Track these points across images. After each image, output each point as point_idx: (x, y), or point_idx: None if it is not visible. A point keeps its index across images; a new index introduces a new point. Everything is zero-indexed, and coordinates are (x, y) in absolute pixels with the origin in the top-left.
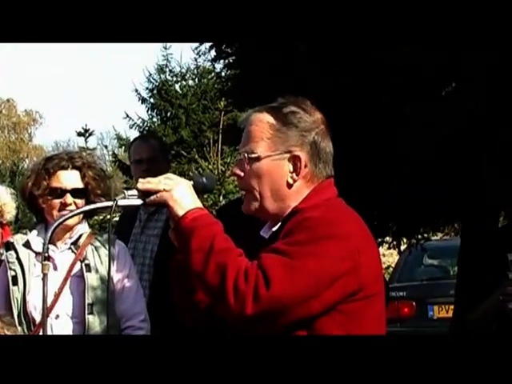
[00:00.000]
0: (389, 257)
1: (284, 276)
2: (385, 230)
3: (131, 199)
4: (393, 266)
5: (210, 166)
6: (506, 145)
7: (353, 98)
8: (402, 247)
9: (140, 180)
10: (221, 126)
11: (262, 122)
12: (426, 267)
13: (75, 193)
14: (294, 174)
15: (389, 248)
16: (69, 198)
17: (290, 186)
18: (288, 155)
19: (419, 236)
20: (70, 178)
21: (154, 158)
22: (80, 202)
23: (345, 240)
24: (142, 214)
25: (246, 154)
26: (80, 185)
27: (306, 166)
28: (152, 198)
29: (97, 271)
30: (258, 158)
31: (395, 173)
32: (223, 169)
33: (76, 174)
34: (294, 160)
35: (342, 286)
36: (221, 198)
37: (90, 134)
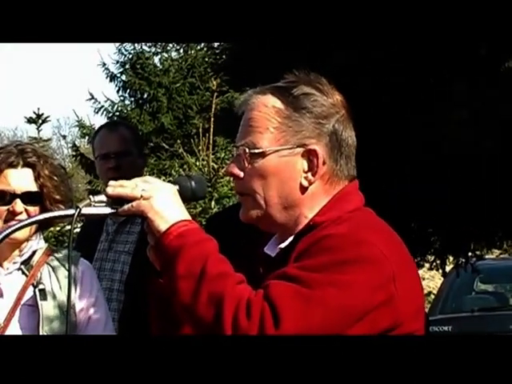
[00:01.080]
0: (430, 280)
1: (298, 311)
2: (426, 247)
3: (98, 207)
4: (435, 292)
5: (199, 163)
6: None
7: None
8: (448, 268)
9: (110, 183)
10: (212, 112)
11: (267, 106)
12: (477, 294)
13: (27, 198)
14: (310, 174)
15: (430, 269)
16: (18, 205)
17: (303, 189)
18: (301, 149)
19: (469, 253)
20: (20, 179)
21: (124, 151)
22: (33, 209)
23: (377, 265)
24: (110, 224)
25: (246, 149)
26: (33, 187)
27: (324, 164)
28: (126, 207)
29: (54, 298)
30: (263, 154)
31: (441, 174)
32: (215, 166)
33: (28, 173)
34: (309, 155)
35: (371, 322)
36: (212, 203)
37: (44, 121)
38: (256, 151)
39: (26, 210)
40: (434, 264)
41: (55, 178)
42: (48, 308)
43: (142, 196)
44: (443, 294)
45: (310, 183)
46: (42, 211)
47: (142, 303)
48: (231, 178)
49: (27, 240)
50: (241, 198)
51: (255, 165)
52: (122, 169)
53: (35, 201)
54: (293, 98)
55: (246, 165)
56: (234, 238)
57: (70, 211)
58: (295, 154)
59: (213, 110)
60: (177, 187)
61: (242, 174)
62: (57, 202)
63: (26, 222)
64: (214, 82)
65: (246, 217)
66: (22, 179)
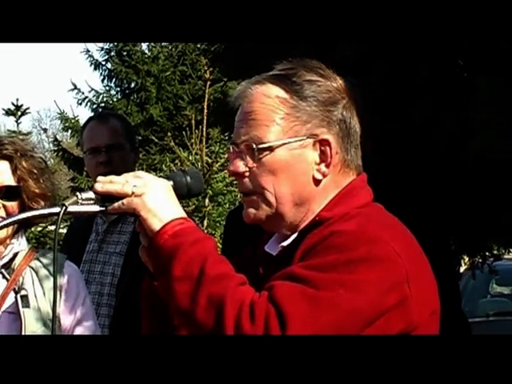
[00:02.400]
0: None
1: (305, 313)
2: (441, 248)
3: (86, 205)
4: None
5: (192, 157)
6: None
7: None
8: (462, 269)
9: (99, 179)
10: (206, 102)
11: (270, 97)
12: (493, 297)
13: (4, 192)
14: (323, 166)
15: None
16: None
17: (317, 182)
18: (312, 140)
19: (486, 253)
20: None
21: (116, 145)
22: (10, 205)
23: (389, 264)
24: (100, 223)
25: (251, 144)
26: (11, 181)
27: (336, 154)
28: (116, 204)
29: (37, 306)
30: (270, 148)
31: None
32: (209, 160)
33: (5, 165)
34: (321, 146)
35: (383, 325)
36: (206, 201)
37: (24, 113)
38: (263, 146)
39: (3, 205)
40: None
41: (34, 171)
42: (31, 316)
43: (133, 193)
44: None
45: (324, 175)
46: (21, 207)
47: (134, 309)
48: (226, 174)
49: (6, 241)
50: (245, 199)
51: (263, 161)
52: (112, 163)
53: (13, 196)
54: (296, 85)
55: (252, 162)
56: (251, 234)
57: (55, 209)
58: (306, 145)
59: (206, 100)
60: (171, 183)
61: (247, 173)
62: (36, 196)
63: (6, 222)
64: (208, 71)
65: (254, 217)
66: None
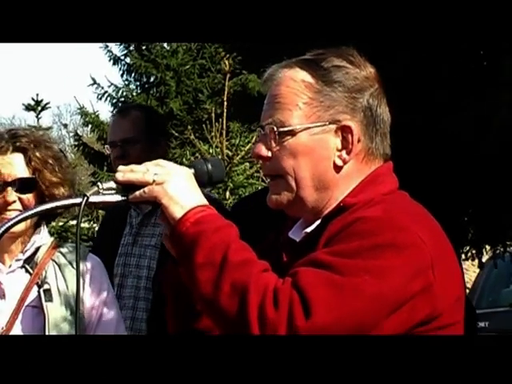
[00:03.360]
0: (464, 273)
1: (330, 300)
2: (462, 238)
3: (107, 195)
4: (469, 285)
5: (212, 150)
6: None
7: None
8: (484, 258)
9: (120, 168)
10: (225, 95)
11: (296, 81)
12: None
13: (19, 185)
14: (344, 152)
15: (465, 259)
16: (10, 194)
17: (338, 168)
18: (334, 126)
19: (508, 242)
20: (9, 165)
21: (131, 139)
22: (26, 197)
23: (414, 250)
24: (134, 216)
25: (274, 127)
26: (25, 173)
27: (359, 141)
28: (137, 193)
29: (61, 299)
30: (292, 132)
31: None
32: (230, 153)
33: (19, 158)
34: (343, 132)
35: (408, 312)
36: (227, 193)
37: (44, 108)
38: (285, 129)
39: (19, 198)
40: (470, 253)
41: (50, 160)
42: (54, 310)
43: (154, 181)
44: (479, 287)
45: (345, 162)
46: (39, 199)
47: None
48: (247, 166)
49: (27, 234)
50: (270, 182)
51: (284, 144)
52: (127, 157)
53: (28, 188)
54: (323, 70)
55: (274, 145)
56: (260, 225)
57: (77, 200)
58: (328, 131)
59: (225, 93)
60: (192, 171)
61: (270, 155)
62: (54, 184)
63: (27, 214)
64: (227, 63)
65: (276, 201)
66: (11, 165)
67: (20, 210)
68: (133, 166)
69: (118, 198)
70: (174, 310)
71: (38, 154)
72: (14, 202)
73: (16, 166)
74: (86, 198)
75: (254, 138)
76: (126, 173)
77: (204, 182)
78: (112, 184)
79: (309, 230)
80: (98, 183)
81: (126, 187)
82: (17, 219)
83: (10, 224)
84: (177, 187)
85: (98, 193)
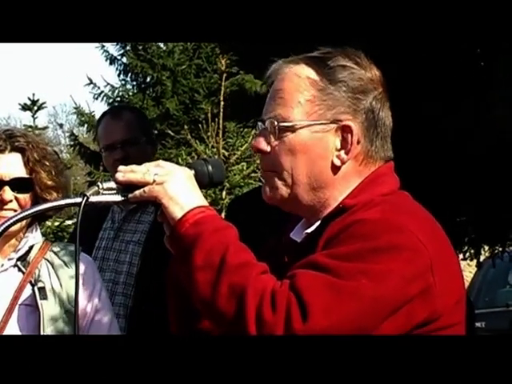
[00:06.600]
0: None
1: (328, 303)
2: (460, 237)
3: (107, 194)
4: (466, 285)
5: (209, 150)
6: None
7: None
8: (482, 258)
9: (120, 168)
10: (222, 95)
11: (300, 77)
12: None
13: (16, 184)
14: (343, 153)
15: (464, 259)
16: (7, 193)
17: (335, 169)
18: (335, 126)
19: (507, 242)
20: (7, 165)
21: (131, 139)
22: (23, 197)
23: (413, 253)
24: (117, 211)
25: (274, 122)
26: (22, 173)
27: (358, 143)
28: (137, 192)
29: (55, 297)
30: (293, 128)
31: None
32: (226, 153)
33: (17, 157)
34: (343, 133)
35: (406, 315)
36: (223, 193)
37: (40, 108)
38: (285, 125)
39: (16, 198)
40: (469, 253)
41: (47, 163)
42: (49, 308)
43: (154, 181)
44: (476, 287)
45: (343, 162)
46: (34, 199)
47: (153, 299)
48: (244, 166)
49: (21, 233)
50: (265, 175)
51: (284, 139)
52: (129, 159)
53: (25, 188)
54: (328, 69)
55: (274, 139)
56: (257, 223)
57: (77, 199)
58: (328, 130)
59: (222, 93)
60: (192, 172)
61: (268, 149)
62: (49, 188)
63: (26, 213)
64: (223, 63)
65: (270, 196)
66: (9, 165)
67: (16, 210)
68: (133, 167)
69: (118, 197)
70: (176, 309)
71: (36, 155)
72: (11, 201)
73: (14, 165)
74: (86, 197)
75: (250, 138)
76: (126, 173)
77: (204, 183)
78: (112, 184)
79: (309, 230)
80: (98, 183)
81: (126, 187)
82: (16, 218)
83: (9, 223)
84: (177, 188)
85: (98, 193)
